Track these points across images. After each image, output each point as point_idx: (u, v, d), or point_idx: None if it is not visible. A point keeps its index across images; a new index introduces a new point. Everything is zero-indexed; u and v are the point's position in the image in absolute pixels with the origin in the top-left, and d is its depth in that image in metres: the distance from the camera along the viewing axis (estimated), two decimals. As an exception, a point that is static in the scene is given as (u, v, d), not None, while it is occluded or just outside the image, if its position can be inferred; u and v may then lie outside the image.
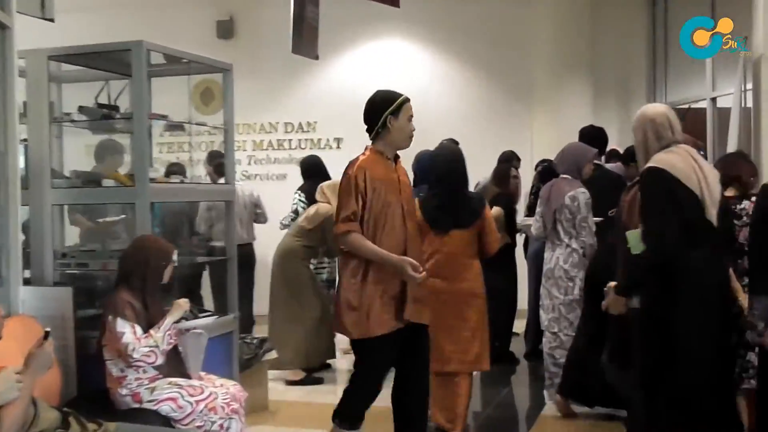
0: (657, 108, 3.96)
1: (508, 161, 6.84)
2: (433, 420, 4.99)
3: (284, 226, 7.09)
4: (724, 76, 8.50)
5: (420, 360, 4.22)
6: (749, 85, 6.98)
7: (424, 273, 4.02)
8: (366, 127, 4.25)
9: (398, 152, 4.26)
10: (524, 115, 9.02)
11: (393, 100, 4.22)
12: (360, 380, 4.22)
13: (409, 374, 4.21)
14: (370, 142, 4.25)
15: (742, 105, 7.25)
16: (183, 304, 3.95)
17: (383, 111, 4.19)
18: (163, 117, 4.95)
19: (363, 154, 4.21)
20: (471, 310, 4.87)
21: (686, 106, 9.55)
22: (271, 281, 6.60)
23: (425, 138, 7.41)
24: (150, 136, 4.76)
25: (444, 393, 4.96)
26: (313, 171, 7.28)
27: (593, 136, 6.57)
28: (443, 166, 5.07)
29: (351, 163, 4.14)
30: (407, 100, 4.25)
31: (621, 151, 7.01)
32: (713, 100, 8.77)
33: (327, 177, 6.97)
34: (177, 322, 3.92)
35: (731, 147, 7.02)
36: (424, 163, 5.84)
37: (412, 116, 4.23)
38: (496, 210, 5.87)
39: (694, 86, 9.27)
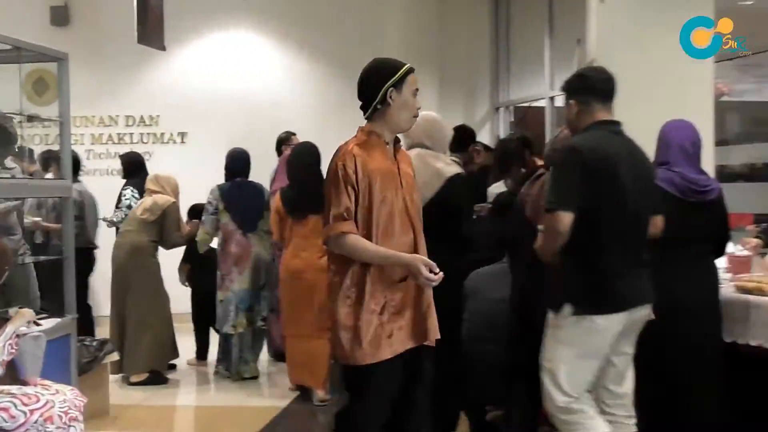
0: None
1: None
2: (295, 382, 5.75)
3: (113, 224, 6.93)
4: (561, 76, 8.87)
5: (420, 383, 3.41)
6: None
7: (441, 274, 3.16)
8: (360, 103, 3.42)
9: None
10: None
11: (396, 70, 3.39)
12: (360, 418, 3.34)
13: (407, 399, 3.40)
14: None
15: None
16: (26, 313, 3.72)
17: (383, 83, 3.34)
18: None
19: (355, 136, 3.39)
20: (323, 282, 4.93)
21: (526, 104, 9.93)
22: (118, 280, 6.40)
23: (276, 133, 7.40)
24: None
25: (305, 355, 5.58)
26: (135, 167, 7.22)
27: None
28: (299, 164, 5.81)
29: (339, 149, 3.35)
30: (412, 69, 3.43)
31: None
32: (551, 99, 9.14)
33: (147, 174, 6.92)
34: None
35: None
36: (236, 158, 6.48)
37: (417, 90, 3.42)
38: None
39: (534, 85, 9.63)
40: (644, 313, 3.48)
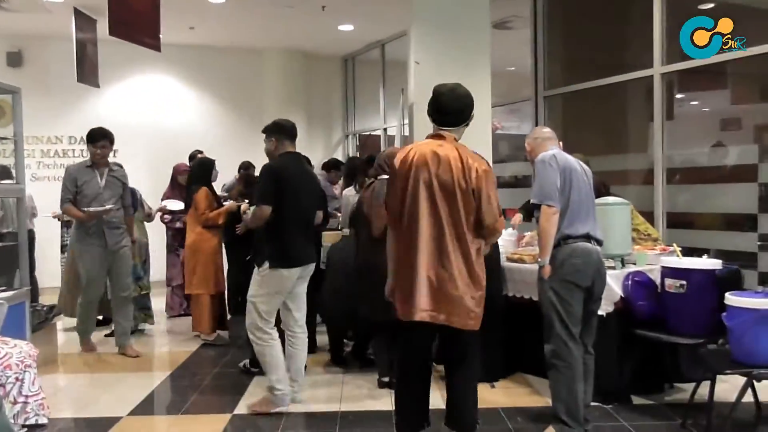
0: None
1: (247, 169, 6.72)
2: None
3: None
4: (391, 113, 9.03)
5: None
6: (406, 120, 7.47)
7: None
8: (453, 118, 3.00)
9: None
10: (258, 136, 8.89)
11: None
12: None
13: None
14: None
15: (402, 133, 7.74)
16: None
17: (473, 107, 3.06)
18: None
19: (461, 145, 2.98)
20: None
21: (367, 133, 10.05)
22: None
23: (183, 153, 7.14)
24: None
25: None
26: None
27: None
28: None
29: (473, 156, 2.92)
30: None
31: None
32: (384, 129, 9.29)
33: None
34: None
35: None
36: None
37: None
38: (234, 204, 5.66)
39: (372, 120, 9.76)
40: (311, 267, 3.92)
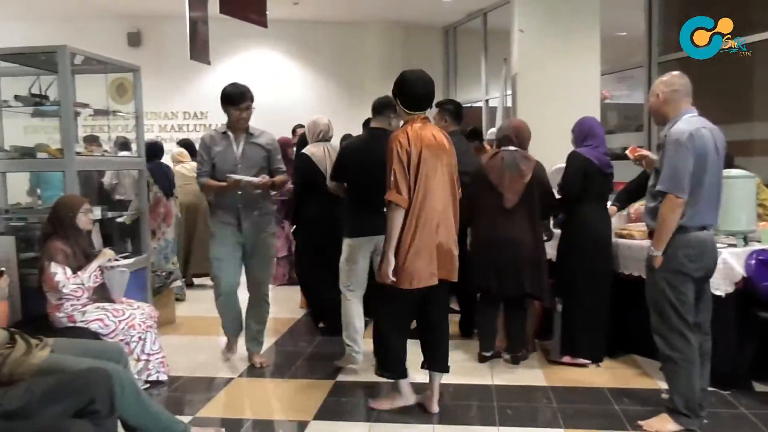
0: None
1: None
2: None
3: None
4: (493, 84, 8.83)
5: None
6: (509, 91, 7.28)
7: None
8: (429, 102, 3.37)
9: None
10: (357, 108, 9.02)
11: None
12: None
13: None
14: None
15: (504, 105, 7.56)
16: (108, 252, 3.64)
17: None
18: (86, 105, 4.60)
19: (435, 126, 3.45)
20: None
21: (468, 105, 9.87)
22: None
23: (289, 125, 7.33)
24: (75, 120, 4.41)
25: None
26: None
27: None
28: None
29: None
30: None
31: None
32: (486, 101, 9.10)
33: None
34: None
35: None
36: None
37: None
38: None
39: (473, 91, 9.58)
40: (379, 238, 3.58)
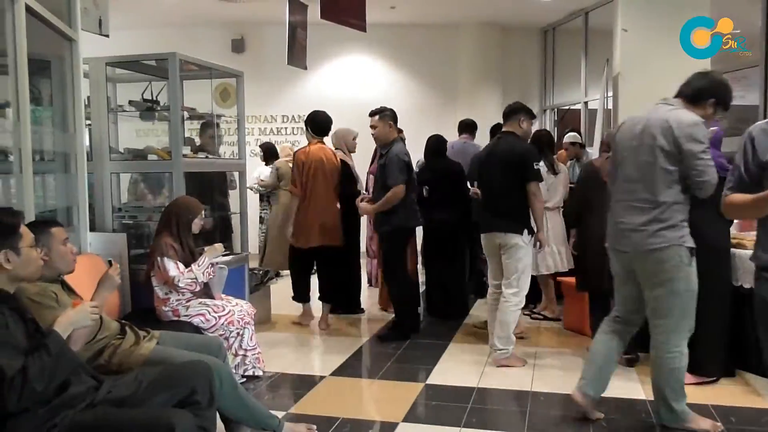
0: None
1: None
2: None
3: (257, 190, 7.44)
4: (592, 86, 8.53)
5: None
6: (610, 93, 7.00)
7: None
8: (327, 132, 5.35)
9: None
10: (451, 113, 8.96)
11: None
12: None
13: None
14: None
15: (605, 107, 7.28)
16: (218, 248, 3.78)
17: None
18: (192, 109, 4.84)
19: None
20: None
21: (567, 107, 9.60)
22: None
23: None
24: (183, 123, 4.65)
25: None
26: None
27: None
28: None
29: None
30: None
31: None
32: (585, 103, 8.80)
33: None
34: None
35: (597, 137, 7.06)
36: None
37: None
38: None
39: (572, 93, 9.30)
40: (496, 234, 4.23)
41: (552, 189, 5.18)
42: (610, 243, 3.25)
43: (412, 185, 4.87)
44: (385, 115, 4.87)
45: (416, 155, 6.54)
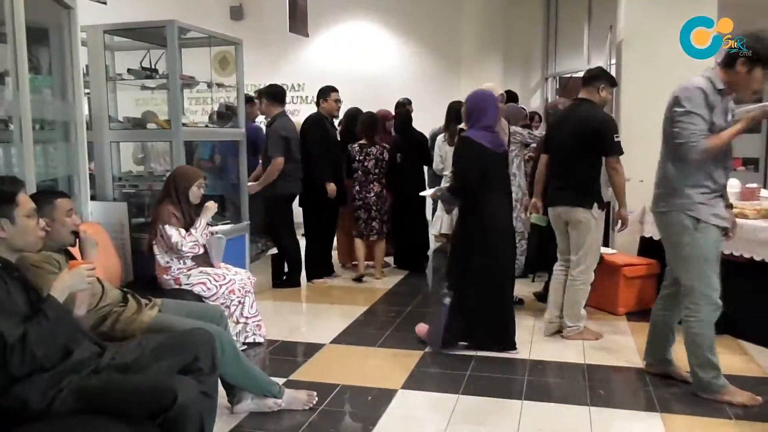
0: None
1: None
2: None
3: None
4: (596, 53, 8.45)
5: None
6: (613, 61, 6.95)
7: None
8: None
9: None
10: (454, 80, 8.90)
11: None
12: None
13: None
14: None
15: (608, 75, 7.21)
16: (211, 206, 3.79)
17: None
18: (191, 78, 4.81)
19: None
20: None
21: (569, 75, 9.52)
22: None
23: (385, 98, 7.36)
24: (182, 92, 4.64)
25: None
26: None
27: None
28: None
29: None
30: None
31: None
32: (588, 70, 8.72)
33: None
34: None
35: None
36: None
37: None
38: None
39: (574, 60, 9.22)
40: (559, 209, 4.07)
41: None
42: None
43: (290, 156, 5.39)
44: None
45: (419, 122, 6.54)
